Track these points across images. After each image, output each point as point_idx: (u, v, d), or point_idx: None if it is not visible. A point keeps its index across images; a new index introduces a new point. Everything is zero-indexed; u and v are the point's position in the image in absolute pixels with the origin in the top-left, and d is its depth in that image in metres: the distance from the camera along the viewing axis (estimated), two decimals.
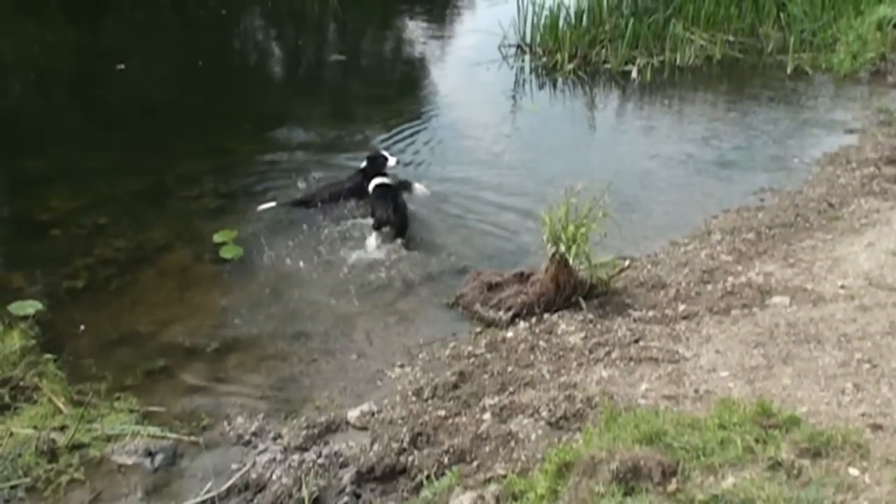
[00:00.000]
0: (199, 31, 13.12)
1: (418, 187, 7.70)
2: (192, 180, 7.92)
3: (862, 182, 7.41)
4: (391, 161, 7.70)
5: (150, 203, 7.61)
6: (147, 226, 7.13)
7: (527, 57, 11.55)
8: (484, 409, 4.67)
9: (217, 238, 6.89)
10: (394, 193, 7.24)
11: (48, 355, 5.33)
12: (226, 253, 6.72)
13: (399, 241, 6.92)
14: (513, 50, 11.66)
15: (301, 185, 7.86)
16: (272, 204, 7.48)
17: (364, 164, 7.65)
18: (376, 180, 7.42)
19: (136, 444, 4.61)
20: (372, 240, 6.94)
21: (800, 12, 11.51)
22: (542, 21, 11.65)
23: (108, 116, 9.58)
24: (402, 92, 10.73)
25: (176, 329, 5.82)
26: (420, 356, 5.51)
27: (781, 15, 11.74)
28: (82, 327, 5.77)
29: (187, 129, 9.26)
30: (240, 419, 4.87)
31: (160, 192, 7.79)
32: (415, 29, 13.60)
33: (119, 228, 7.06)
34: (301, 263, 6.65)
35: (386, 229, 7.00)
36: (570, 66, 10.95)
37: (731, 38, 11.40)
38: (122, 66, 10.96)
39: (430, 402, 4.87)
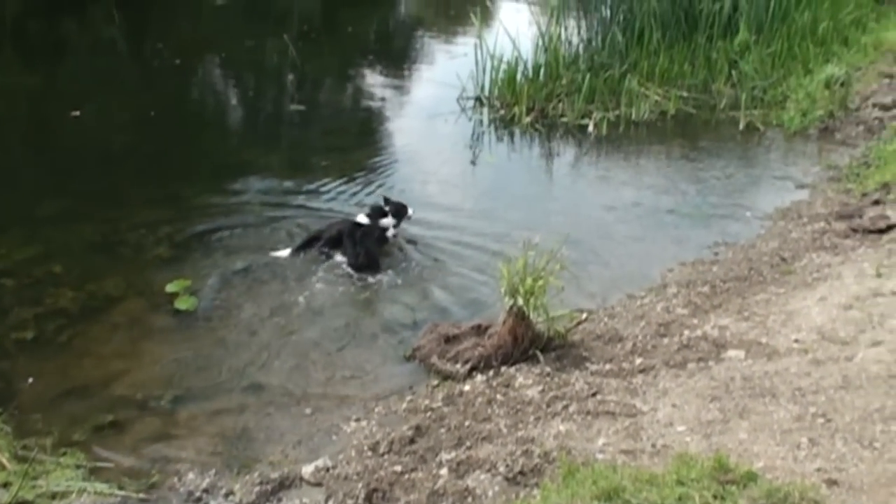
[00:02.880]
0: (155, 79, 13.04)
1: (411, 211, 7.90)
2: (147, 229, 7.81)
3: (813, 237, 7.54)
4: (410, 211, 7.90)
5: (103, 252, 7.49)
6: (99, 275, 6.99)
7: (485, 109, 11.65)
8: (441, 465, 4.62)
9: (170, 288, 6.77)
10: (364, 234, 7.32)
11: None
12: (179, 304, 6.61)
13: (373, 278, 7.12)
14: (471, 102, 11.74)
15: (262, 233, 7.83)
16: (287, 252, 7.43)
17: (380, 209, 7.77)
18: (352, 219, 7.53)
19: (83, 502, 4.47)
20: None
21: (751, 70, 11.78)
22: (500, 74, 11.76)
23: (62, 163, 9.45)
24: (360, 142, 10.74)
25: (127, 382, 5.70)
26: (376, 409, 5.45)
27: (733, 72, 12.00)
28: (30, 380, 5.62)
29: (142, 177, 9.17)
30: (191, 475, 4.76)
31: (114, 240, 7.67)
32: (374, 80, 13.69)
33: (70, 278, 6.91)
34: (256, 314, 6.58)
35: (360, 274, 7.16)
36: (528, 120, 11.06)
37: (684, 93, 11.61)
38: (77, 113, 10.86)
39: (386, 457, 4.80)
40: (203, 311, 6.63)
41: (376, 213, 7.67)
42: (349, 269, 7.23)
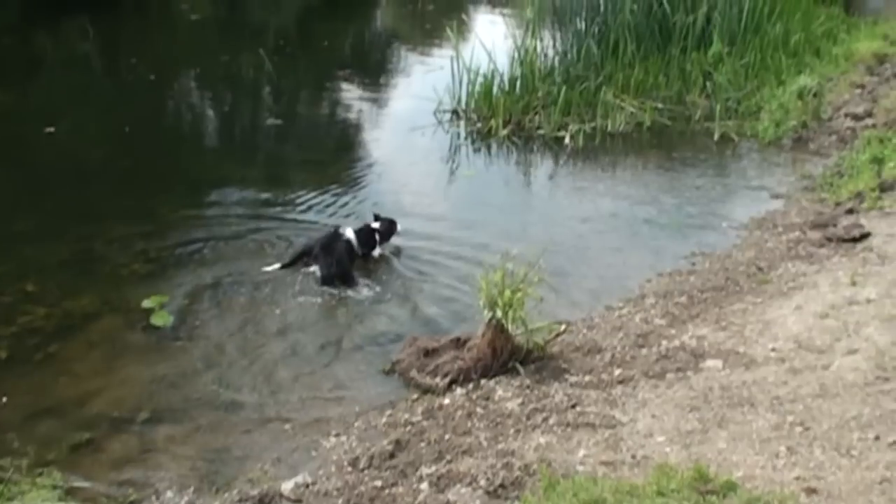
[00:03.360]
0: (130, 94, 12.98)
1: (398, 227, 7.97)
2: (123, 245, 7.77)
3: (788, 246, 7.60)
4: (398, 227, 8.00)
5: (77, 269, 7.43)
6: (75, 293, 6.94)
7: (462, 122, 11.67)
8: (421, 479, 4.60)
9: (146, 304, 6.73)
10: (336, 246, 7.32)
11: None
12: (156, 320, 6.57)
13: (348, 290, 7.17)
14: (448, 115, 11.76)
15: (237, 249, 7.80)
16: (276, 266, 7.41)
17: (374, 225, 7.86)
18: (328, 230, 7.56)
19: None
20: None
21: (725, 81, 11.88)
22: (477, 87, 11.80)
23: (37, 180, 9.38)
24: (337, 156, 10.73)
25: (103, 400, 5.66)
26: (356, 425, 5.42)
27: (707, 84, 12.10)
28: (4, 399, 5.57)
29: (118, 193, 9.10)
30: (169, 493, 4.72)
31: (89, 257, 7.62)
32: (350, 93, 13.68)
33: (46, 295, 6.85)
34: (233, 329, 6.56)
35: (330, 286, 7.17)
36: (505, 132, 11.09)
37: (659, 105, 11.68)
38: (52, 129, 10.79)
39: (366, 472, 4.78)
40: (180, 326, 6.59)
41: (364, 234, 7.70)
42: (319, 281, 7.25)
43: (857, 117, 10.67)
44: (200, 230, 8.17)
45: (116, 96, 13.03)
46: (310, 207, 8.82)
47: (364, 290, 7.21)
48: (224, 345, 6.37)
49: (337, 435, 5.31)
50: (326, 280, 7.23)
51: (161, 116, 12.60)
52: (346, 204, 8.98)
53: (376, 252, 7.77)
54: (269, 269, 7.41)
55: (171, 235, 8.04)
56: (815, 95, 10.99)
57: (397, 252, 7.89)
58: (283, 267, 7.40)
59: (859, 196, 8.24)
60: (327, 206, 8.88)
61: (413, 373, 5.89)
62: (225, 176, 9.72)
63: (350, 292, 7.17)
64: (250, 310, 6.85)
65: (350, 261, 7.46)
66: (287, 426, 5.43)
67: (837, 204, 8.32)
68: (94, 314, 6.72)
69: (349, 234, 7.56)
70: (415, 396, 5.71)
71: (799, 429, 4.61)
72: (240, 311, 6.83)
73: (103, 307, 6.82)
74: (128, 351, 6.35)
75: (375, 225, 7.86)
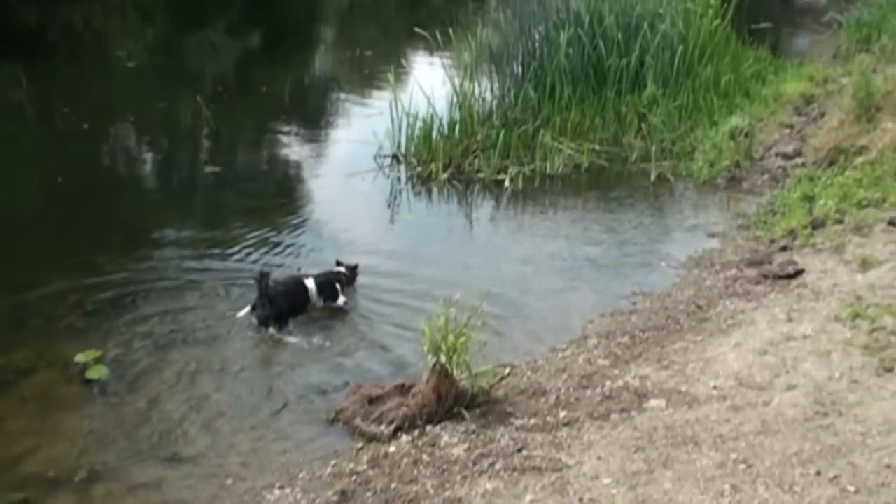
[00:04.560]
0: (63, 144, 12.76)
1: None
2: (58, 298, 7.60)
3: (726, 284, 7.72)
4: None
5: (10, 323, 7.25)
6: (8, 348, 6.77)
7: (402, 167, 11.69)
8: None
9: (80, 358, 6.57)
10: (268, 286, 7.24)
11: None
12: (91, 374, 6.42)
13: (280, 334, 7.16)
14: (388, 160, 11.78)
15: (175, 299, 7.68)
16: (247, 310, 7.34)
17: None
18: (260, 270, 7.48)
19: None
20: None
21: (659, 123, 12.12)
22: (416, 132, 11.85)
23: None
24: (277, 203, 10.64)
25: (38, 458, 5.51)
26: (300, 475, 5.34)
27: (643, 125, 12.33)
28: None
29: (51, 244, 8.92)
30: None
31: (23, 311, 7.42)
32: (290, 139, 13.63)
33: None
34: (172, 381, 6.44)
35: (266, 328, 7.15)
36: (445, 176, 11.15)
37: (597, 147, 11.86)
38: None
39: None
40: (116, 380, 6.46)
41: (326, 282, 7.69)
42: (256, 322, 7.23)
43: (787, 156, 10.96)
44: (138, 280, 8.03)
45: (49, 146, 12.80)
46: (250, 255, 8.73)
47: (300, 336, 7.16)
48: (162, 397, 6.25)
49: (281, 487, 5.22)
50: (261, 321, 7.17)
51: (95, 165, 12.38)
52: (286, 250, 8.91)
53: (340, 301, 7.69)
54: (239, 314, 7.35)
55: (108, 286, 7.88)
56: (746, 135, 11.28)
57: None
58: (252, 310, 7.34)
59: (792, 233, 8.43)
60: (267, 252, 8.80)
61: (357, 421, 5.82)
62: (163, 225, 9.58)
63: (288, 338, 7.11)
64: (189, 360, 6.73)
65: (293, 306, 7.42)
66: (229, 480, 5.33)
67: (772, 241, 8.50)
68: (28, 369, 6.57)
69: (308, 282, 7.58)
70: (360, 445, 5.63)
71: (742, 466, 4.66)
72: (178, 361, 6.70)
73: (38, 362, 6.67)
74: (63, 407, 6.19)
75: (338, 270, 7.91)
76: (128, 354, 6.78)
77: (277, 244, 9.04)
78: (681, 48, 13.07)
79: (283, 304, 7.32)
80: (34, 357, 6.72)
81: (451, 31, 13.60)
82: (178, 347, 6.92)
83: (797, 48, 18.87)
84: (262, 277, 7.24)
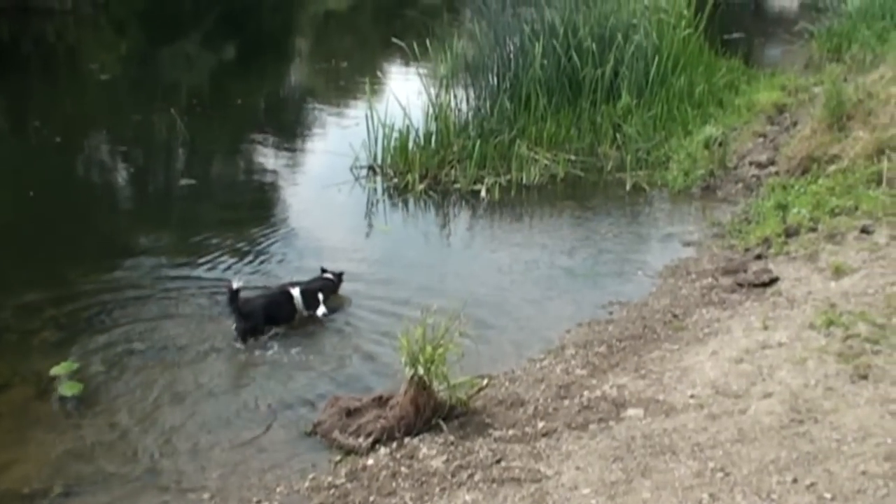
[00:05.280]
0: (35, 158, 12.66)
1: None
2: (31, 313, 7.54)
3: (702, 292, 7.76)
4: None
5: None
6: None
7: (378, 178, 11.69)
8: None
9: (55, 372, 6.51)
10: (237, 300, 7.31)
11: None
12: (66, 389, 6.35)
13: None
14: (364, 171, 11.78)
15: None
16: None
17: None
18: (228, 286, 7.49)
19: None
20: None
21: (634, 133, 12.19)
22: (392, 143, 11.86)
23: None
24: (253, 215, 10.58)
25: (12, 475, 5.46)
26: (278, 490, 5.31)
27: (618, 135, 12.39)
28: None
29: (25, 259, 8.84)
30: None
31: None
32: (266, 151, 13.59)
33: None
34: (148, 395, 6.40)
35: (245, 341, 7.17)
36: (421, 187, 11.15)
37: (572, 157, 11.90)
38: None
39: None
40: (92, 395, 6.40)
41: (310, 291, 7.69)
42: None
43: (760, 165, 11.05)
44: (112, 294, 7.98)
45: (21, 159, 12.70)
46: (226, 267, 8.68)
47: (279, 348, 7.14)
48: (138, 412, 6.20)
49: (259, 501, 5.20)
50: (240, 334, 7.19)
51: (69, 179, 12.28)
52: (263, 262, 8.88)
53: (321, 311, 7.66)
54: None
55: (82, 300, 7.82)
56: (720, 145, 11.36)
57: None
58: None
59: (767, 242, 8.49)
60: (244, 265, 8.77)
61: (335, 434, 5.80)
62: (137, 238, 9.54)
63: (266, 350, 7.11)
64: (166, 374, 6.68)
65: (275, 316, 7.47)
66: (206, 495, 5.29)
67: (746, 250, 8.55)
68: (2, 385, 6.51)
69: (294, 291, 7.60)
70: (338, 458, 5.61)
71: (720, 475, 4.67)
72: (155, 376, 6.65)
73: (12, 377, 6.62)
74: (39, 422, 6.12)
75: (328, 275, 8.01)
76: (103, 369, 6.72)
77: (253, 256, 9.00)
78: (655, 59, 13.16)
79: (260, 318, 7.29)
80: (8, 372, 6.67)
81: (427, 42, 13.61)
82: (154, 361, 6.87)
83: (769, 58, 19.06)
84: (233, 294, 7.27)
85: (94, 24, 25.52)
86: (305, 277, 8.03)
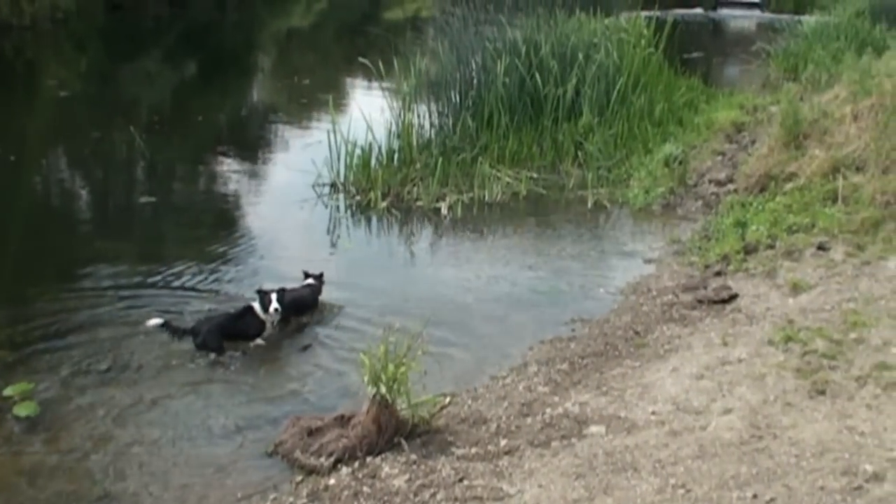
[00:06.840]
0: None
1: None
2: None
3: (663, 309, 7.82)
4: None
5: None
6: None
7: (341, 195, 11.66)
8: None
9: (8, 392, 6.37)
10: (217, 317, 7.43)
11: None
12: (19, 410, 6.21)
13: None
14: (327, 188, 11.75)
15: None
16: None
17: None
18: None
19: None
20: None
21: (595, 151, 12.29)
22: (355, 160, 11.86)
23: None
24: (215, 233, 10.50)
25: None
26: None
27: (579, 153, 12.50)
28: None
29: None
30: None
31: None
32: (227, 168, 13.51)
33: None
34: (106, 415, 6.28)
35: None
36: (384, 204, 11.13)
37: (534, 175, 11.97)
38: None
39: None
40: (47, 416, 6.27)
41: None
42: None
43: (719, 183, 11.19)
44: (69, 313, 7.85)
45: None
46: (186, 284, 8.60)
47: (239, 367, 7.10)
48: (96, 433, 6.09)
49: None
50: (198, 346, 7.19)
51: (24, 198, 12.08)
52: (224, 279, 8.80)
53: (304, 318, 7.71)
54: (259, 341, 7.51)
55: (38, 320, 7.69)
56: (680, 163, 11.51)
57: (277, 328, 7.75)
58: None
59: (726, 259, 8.59)
60: (205, 282, 8.69)
61: (297, 453, 5.73)
62: (96, 256, 9.39)
63: (226, 369, 7.06)
64: (124, 394, 6.57)
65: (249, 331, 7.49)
66: None
67: (706, 267, 8.64)
68: None
69: (255, 305, 7.56)
70: (299, 478, 5.55)
71: (681, 491, 4.69)
72: (112, 395, 6.54)
73: None
74: None
75: (311, 280, 8.15)
76: (60, 389, 6.60)
77: (214, 273, 8.93)
78: (616, 77, 13.30)
79: (218, 332, 7.25)
80: None
81: (393, 59, 13.62)
82: (111, 381, 6.76)
83: (728, 77, 19.38)
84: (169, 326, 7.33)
85: (54, 39, 25.27)
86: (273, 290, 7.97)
